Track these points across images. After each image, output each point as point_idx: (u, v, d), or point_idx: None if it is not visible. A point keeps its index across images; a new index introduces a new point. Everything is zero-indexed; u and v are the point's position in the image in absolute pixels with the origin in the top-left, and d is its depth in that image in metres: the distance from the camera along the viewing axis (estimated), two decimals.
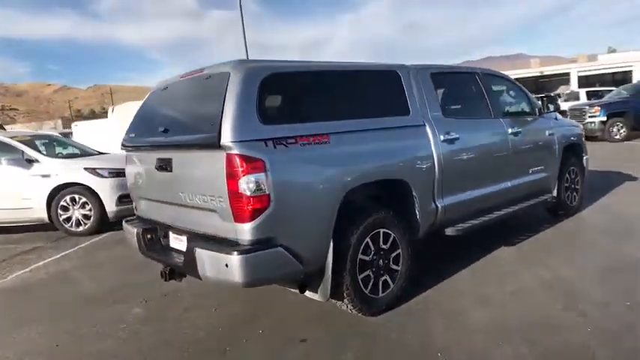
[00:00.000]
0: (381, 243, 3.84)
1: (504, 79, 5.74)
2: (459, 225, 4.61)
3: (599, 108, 15.68)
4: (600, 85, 32.51)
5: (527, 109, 5.78)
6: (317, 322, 3.81)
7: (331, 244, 3.49)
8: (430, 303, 4.00)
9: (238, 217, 3.12)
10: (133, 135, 4.22)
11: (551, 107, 5.89)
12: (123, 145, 4.37)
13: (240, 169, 3.06)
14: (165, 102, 4.10)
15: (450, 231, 4.51)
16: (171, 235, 3.95)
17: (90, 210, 7.92)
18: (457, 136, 4.50)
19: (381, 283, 3.86)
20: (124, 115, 10.55)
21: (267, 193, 3.10)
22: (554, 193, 6.03)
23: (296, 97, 3.68)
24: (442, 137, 4.35)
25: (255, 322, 3.92)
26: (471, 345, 3.28)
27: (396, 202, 4.05)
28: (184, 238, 3.75)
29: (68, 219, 7.93)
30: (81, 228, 7.94)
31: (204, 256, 3.26)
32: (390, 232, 3.89)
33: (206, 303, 4.36)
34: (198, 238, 3.48)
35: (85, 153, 9.56)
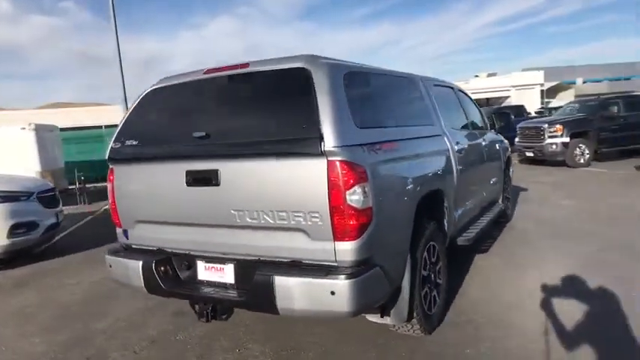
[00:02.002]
0: (431, 256, 3.66)
1: (466, 94, 6.05)
2: (464, 234, 4.66)
3: (562, 127, 13.09)
4: None
5: (484, 123, 6.17)
6: (371, 351, 3.43)
7: (408, 259, 3.21)
8: (465, 312, 3.92)
9: (341, 235, 2.66)
10: (132, 143, 3.38)
11: (502, 123, 6.38)
12: (112, 157, 3.47)
13: (348, 179, 2.62)
14: (192, 102, 3.35)
15: (461, 241, 4.51)
16: (201, 264, 3.23)
17: None
18: (464, 146, 4.57)
19: (431, 298, 3.66)
20: None
21: (371, 205, 2.71)
22: (500, 201, 6.51)
23: (369, 100, 3.33)
24: (456, 147, 4.36)
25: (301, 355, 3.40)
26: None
27: (434, 213, 3.91)
28: (228, 267, 3.10)
29: None
30: None
31: (293, 286, 2.69)
32: (436, 244, 3.73)
33: (224, 345, 3.65)
34: (266, 265, 2.88)
35: None
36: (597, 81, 48.79)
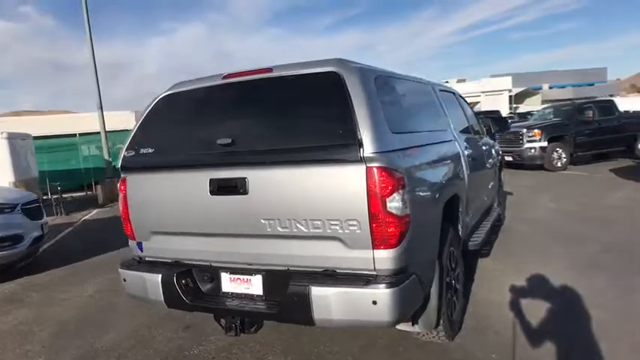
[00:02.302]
0: (451, 262, 3.64)
1: (464, 100, 6.10)
2: (472, 239, 4.67)
3: (540, 131, 13.32)
4: None
5: (480, 128, 6.23)
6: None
7: (437, 266, 3.18)
8: (482, 318, 3.92)
9: (380, 243, 2.61)
10: (148, 152, 3.24)
11: (497, 128, 6.46)
12: (125, 166, 3.33)
13: (387, 185, 2.57)
14: (214, 108, 3.22)
15: (472, 245, 4.52)
16: (226, 276, 3.12)
17: None
18: (470, 151, 4.60)
19: (452, 304, 3.64)
20: None
21: (409, 212, 2.67)
22: (496, 205, 6.59)
23: (397, 104, 3.29)
24: (465, 152, 4.38)
25: None
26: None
27: (452, 219, 3.90)
28: (256, 278, 3.00)
29: None
30: None
31: (331, 296, 2.62)
32: (454, 250, 3.72)
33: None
34: (300, 276, 2.79)
35: None
36: (562, 87, 50.41)
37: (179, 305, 3.18)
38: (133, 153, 3.30)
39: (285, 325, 3.84)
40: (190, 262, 3.23)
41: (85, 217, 12.13)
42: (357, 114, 2.61)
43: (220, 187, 2.95)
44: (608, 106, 14.65)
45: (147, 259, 3.45)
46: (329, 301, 2.63)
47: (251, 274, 3.02)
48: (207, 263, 3.17)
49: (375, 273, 2.66)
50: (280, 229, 2.82)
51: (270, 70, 3.08)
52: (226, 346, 3.75)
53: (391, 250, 2.62)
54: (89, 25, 14.52)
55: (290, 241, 2.83)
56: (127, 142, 3.38)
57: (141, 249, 3.43)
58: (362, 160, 2.56)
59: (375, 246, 2.62)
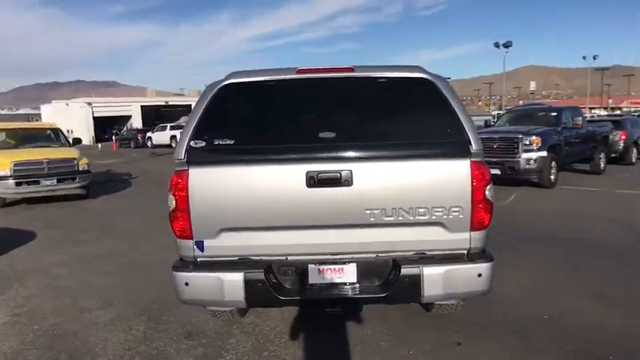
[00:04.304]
0: None
1: None
2: None
3: (539, 139, 10.84)
4: None
5: None
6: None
7: None
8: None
9: (477, 225, 3.09)
10: (225, 143, 3.11)
11: None
12: (193, 159, 3.08)
13: (486, 176, 3.08)
14: (300, 102, 3.34)
15: None
16: (313, 267, 3.21)
17: None
18: None
19: None
20: None
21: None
22: None
23: None
24: None
25: None
26: None
27: None
28: (349, 267, 3.18)
29: None
30: None
31: (442, 274, 3.01)
32: None
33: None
34: (406, 260, 3.10)
35: None
36: None
37: (266, 303, 3.16)
38: (204, 144, 3.09)
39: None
40: (268, 258, 3.18)
41: None
42: (460, 117, 3.07)
43: (321, 180, 3.01)
44: (579, 113, 13.36)
45: (201, 260, 3.22)
46: (438, 279, 3.00)
47: (344, 264, 3.17)
48: (294, 257, 3.20)
49: (470, 251, 3.12)
50: (385, 218, 3.06)
51: (352, 69, 3.27)
52: (250, 350, 3.73)
53: (482, 232, 3.13)
54: None
55: (393, 229, 3.10)
56: (190, 132, 3.13)
57: (201, 249, 3.19)
58: (469, 155, 3.00)
59: (472, 228, 3.08)
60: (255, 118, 3.27)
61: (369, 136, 3.11)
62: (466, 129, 3.06)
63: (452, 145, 3.05)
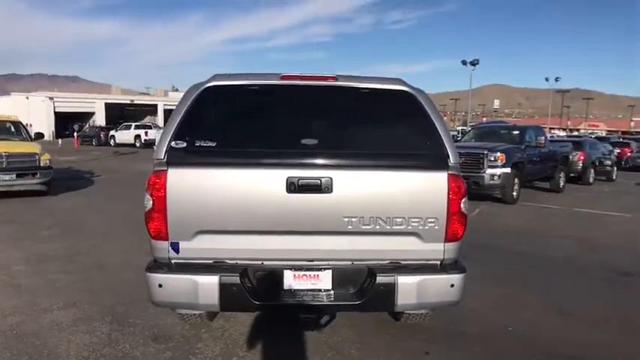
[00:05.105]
0: None
1: None
2: None
3: (504, 155, 11.24)
4: None
5: None
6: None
7: None
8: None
9: (451, 237, 3.16)
10: (207, 145, 3.09)
11: None
12: (172, 160, 3.05)
13: (462, 189, 3.15)
14: (285, 108, 3.33)
15: None
16: (289, 273, 3.21)
17: None
18: None
19: None
20: None
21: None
22: None
23: None
24: None
25: None
26: None
27: None
28: (325, 274, 3.20)
29: None
30: None
31: (416, 283, 3.06)
32: None
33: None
34: (381, 268, 3.14)
35: None
36: None
37: (240, 307, 3.13)
38: (185, 145, 3.06)
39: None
40: (244, 262, 3.16)
41: None
42: (439, 130, 3.15)
43: (301, 186, 3.03)
44: (542, 132, 14.12)
45: (176, 262, 3.18)
46: (412, 288, 3.05)
47: (320, 270, 3.19)
48: (270, 262, 3.20)
49: (443, 262, 3.18)
50: (363, 227, 3.09)
51: (334, 78, 3.31)
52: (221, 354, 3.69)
53: (456, 243, 3.19)
54: None
55: (370, 238, 3.13)
56: (171, 132, 3.09)
57: (177, 250, 3.15)
58: (447, 168, 3.08)
59: (446, 239, 3.13)
60: (238, 122, 3.27)
61: (351, 145, 3.15)
62: (445, 142, 3.15)
63: (431, 158, 3.12)
